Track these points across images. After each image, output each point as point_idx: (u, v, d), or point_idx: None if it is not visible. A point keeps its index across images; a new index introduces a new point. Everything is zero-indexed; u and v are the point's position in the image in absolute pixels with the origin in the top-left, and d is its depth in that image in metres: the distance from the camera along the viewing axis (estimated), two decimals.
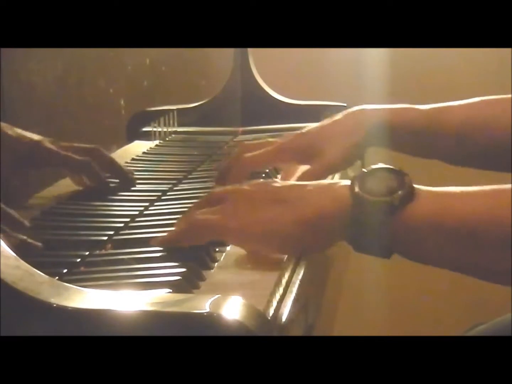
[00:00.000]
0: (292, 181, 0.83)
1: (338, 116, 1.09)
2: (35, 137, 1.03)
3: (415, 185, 0.73)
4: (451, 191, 0.73)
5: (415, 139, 1.07)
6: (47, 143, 1.03)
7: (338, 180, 0.77)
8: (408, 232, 0.72)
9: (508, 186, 0.71)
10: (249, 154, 1.05)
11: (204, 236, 0.79)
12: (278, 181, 0.83)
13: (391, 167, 0.75)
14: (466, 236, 0.70)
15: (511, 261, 0.69)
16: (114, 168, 1.09)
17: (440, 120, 1.06)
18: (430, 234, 0.71)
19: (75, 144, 1.07)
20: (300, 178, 1.05)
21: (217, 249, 0.81)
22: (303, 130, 1.08)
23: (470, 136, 1.06)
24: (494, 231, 0.69)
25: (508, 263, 0.69)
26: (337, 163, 1.06)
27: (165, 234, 0.81)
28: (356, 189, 0.73)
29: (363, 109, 1.09)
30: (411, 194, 0.72)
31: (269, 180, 0.81)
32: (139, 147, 1.36)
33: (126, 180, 1.09)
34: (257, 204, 0.77)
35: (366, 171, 0.75)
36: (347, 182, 0.75)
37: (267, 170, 1.13)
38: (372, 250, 0.73)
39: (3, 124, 0.98)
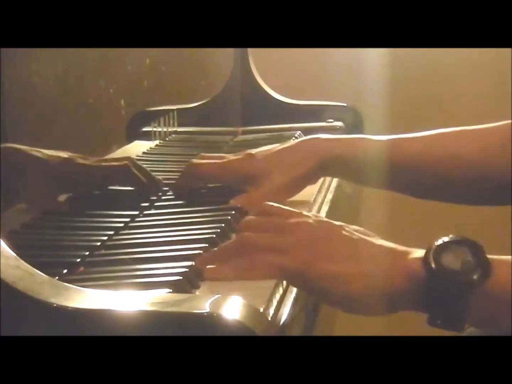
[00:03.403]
0: (360, 235, 0.75)
1: (291, 143, 1.06)
2: (64, 154, 1.01)
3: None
4: None
5: (369, 170, 1.02)
6: (79, 159, 1.01)
7: (408, 249, 0.73)
8: (486, 306, 0.71)
9: None
10: (197, 162, 1.02)
11: (268, 278, 0.73)
12: (340, 224, 0.76)
13: (464, 238, 0.72)
14: None
15: None
16: (146, 173, 1.06)
17: (397, 150, 1.02)
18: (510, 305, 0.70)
19: (103, 158, 1.06)
20: (244, 200, 0.99)
21: None
22: (253, 151, 1.04)
23: (429, 167, 1.02)
24: None
25: None
26: (282, 191, 1.01)
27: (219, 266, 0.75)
28: (432, 265, 0.70)
29: (317, 138, 1.04)
30: (489, 270, 0.70)
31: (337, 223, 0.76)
32: (139, 147, 1.36)
33: (156, 185, 1.06)
34: (331, 245, 0.72)
35: (438, 244, 0.71)
36: (420, 253, 0.72)
37: None
38: (445, 324, 0.71)
39: (28, 148, 0.96)
